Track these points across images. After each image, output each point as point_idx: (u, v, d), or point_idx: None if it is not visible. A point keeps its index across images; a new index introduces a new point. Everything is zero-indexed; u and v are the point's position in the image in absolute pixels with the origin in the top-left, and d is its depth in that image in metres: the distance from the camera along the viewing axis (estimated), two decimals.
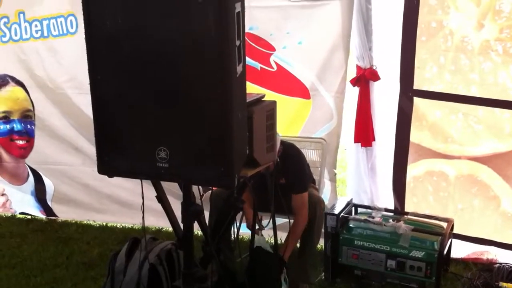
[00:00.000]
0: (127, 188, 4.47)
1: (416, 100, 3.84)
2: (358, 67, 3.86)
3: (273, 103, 2.78)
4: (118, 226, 4.73)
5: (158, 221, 4.06)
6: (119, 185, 4.48)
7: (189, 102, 2.21)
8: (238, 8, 2.18)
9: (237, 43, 2.19)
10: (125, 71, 2.26)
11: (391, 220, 3.44)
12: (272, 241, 3.38)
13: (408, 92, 3.84)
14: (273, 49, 4.06)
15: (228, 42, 2.12)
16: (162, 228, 4.49)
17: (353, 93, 3.97)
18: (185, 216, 2.59)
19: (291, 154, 3.52)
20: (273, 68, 4.10)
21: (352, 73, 3.93)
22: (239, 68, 2.24)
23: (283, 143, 3.43)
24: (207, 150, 2.23)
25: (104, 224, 4.77)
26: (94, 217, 4.80)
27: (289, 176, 3.44)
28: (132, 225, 4.65)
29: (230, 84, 2.15)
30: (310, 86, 4.04)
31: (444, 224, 3.46)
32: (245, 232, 3.75)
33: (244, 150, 2.44)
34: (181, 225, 2.70)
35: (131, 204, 4.52)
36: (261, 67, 4.10)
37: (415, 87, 3.82)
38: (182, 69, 2.19)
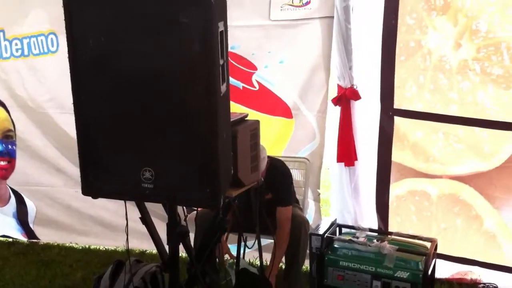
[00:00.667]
0: (111, 210, 4.43)
1: (397, 120, 3.85)
2: (339, 86, 3.87)
3: (257, 122, 2.79)
4: (101, 249, 4.67)
5: (141, 243, 4.02)
6: (102, 206, 4.43)
7: (174, 122, 2.21)
8: (221, 27, 2.18)
9: (221, 62, 2.19)
10: (109, 92, 2.26)
11: (375, 240, 3.42)
12: (258, 262, 3.35)
13: (388, 112, 3.86)
14: (255, 68, 4.07)
15: (213, 61, 2.13)
16: (146, 250, 4.44)
17: (335, 112, 3.98)
18: (170, 237, 2.57)
19: (278, 168, 3.52)
20: (255, 87, 4.10)
21: (333, 93, 3.94)
22: (223, 88, 2.24)
23: (270, 157, 3.43)
24: (193, 171, 2.22)
25: (87, 246, 4.71)
26: (77, 239, 4.73)
27: (277, 188, 3.43)
28: (115, 248, 4.58)
29: (215, 103, 2.15)
30: (292, 106, 4.05)
31: (428, 244, 3.45)
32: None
33: (229, 170, 2.43)
34: (166, 247, 2.68)
35: (114, 226, 4.47)
36: (243, 86, 4.10)
37: (395, 106, 3.84)
38: (166, 89, 2.19)
